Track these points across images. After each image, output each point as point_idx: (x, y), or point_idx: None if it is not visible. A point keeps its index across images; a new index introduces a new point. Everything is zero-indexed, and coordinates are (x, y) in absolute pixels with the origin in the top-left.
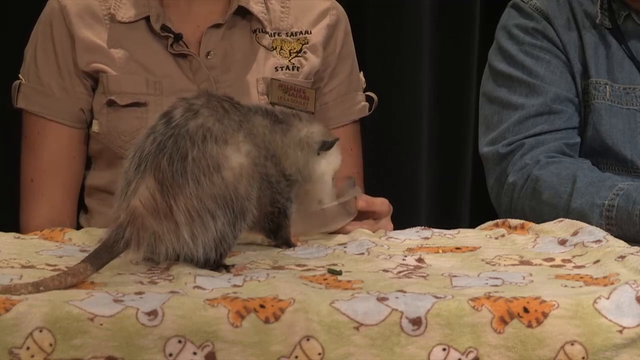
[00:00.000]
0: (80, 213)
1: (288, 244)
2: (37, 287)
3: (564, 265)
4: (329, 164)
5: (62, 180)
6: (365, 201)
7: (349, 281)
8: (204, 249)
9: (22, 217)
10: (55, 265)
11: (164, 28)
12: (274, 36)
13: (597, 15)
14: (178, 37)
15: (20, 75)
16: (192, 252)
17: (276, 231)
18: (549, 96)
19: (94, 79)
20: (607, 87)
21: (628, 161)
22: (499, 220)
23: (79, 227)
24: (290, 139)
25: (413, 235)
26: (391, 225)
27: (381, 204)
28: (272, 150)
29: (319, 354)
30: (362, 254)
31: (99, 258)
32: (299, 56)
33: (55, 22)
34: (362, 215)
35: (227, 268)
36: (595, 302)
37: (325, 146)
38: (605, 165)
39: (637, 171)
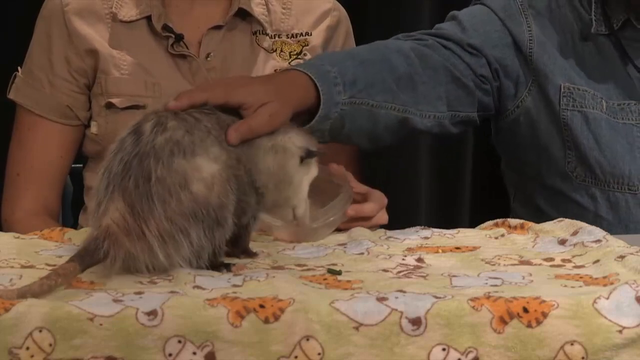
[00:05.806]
0: (80, 213)
1: (247, 253)
2: (24, 295)
3: (564, 265)
4: (307, 173)
5: (48, 177)
6: (354, 210)
7: (348, 281)
8: (181, 264)
9: (4, 209)
10: (55, 265)
11: (166, 28)
12: (274, 38)
13: (592, 23)
14: (179, 37)
15: (19, 68)
16: (169, 269)
17: (235, 241)
18: (473, 41)
19: (91, 79)
20: (603, 101)
21: (625, 177)
22: (499, 220)
23: (78, 226)
24: (256, 148)
25: (413, 235)
26: (386, 217)
27: (370, 211)
28: (243, 160)
29: (319, 354)
30: (362, 253)
31: (84, 260)
32: (299, 58)
33: (54, 18)
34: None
35: (228, 267)
36: (595, 302)
37: (311, 154)
38: (596, 181)
39: (632, 188)
